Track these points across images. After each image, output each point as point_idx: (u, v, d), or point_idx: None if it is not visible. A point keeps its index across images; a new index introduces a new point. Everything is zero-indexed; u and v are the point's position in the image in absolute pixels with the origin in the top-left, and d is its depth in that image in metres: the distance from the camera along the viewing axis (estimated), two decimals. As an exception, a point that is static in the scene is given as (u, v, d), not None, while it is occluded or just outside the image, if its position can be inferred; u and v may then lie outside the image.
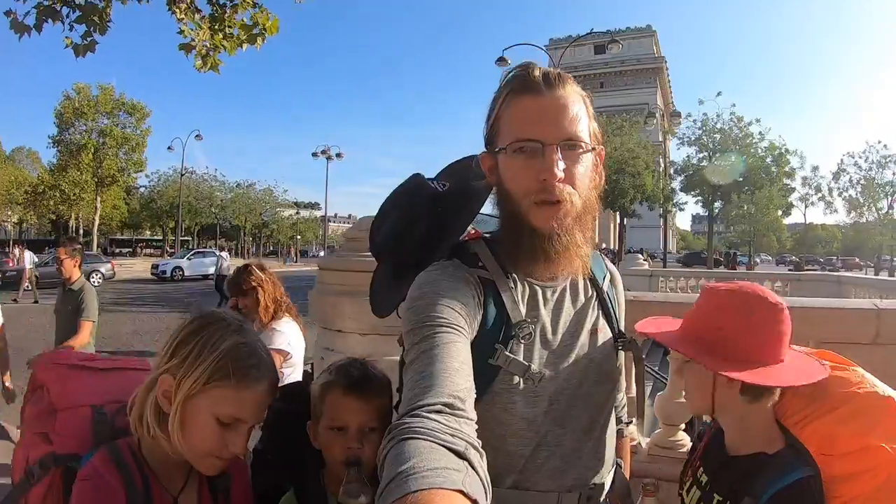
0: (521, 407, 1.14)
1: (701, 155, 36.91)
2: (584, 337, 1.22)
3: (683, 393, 1.66)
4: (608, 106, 59.23)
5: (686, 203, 42.74)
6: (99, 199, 42.88)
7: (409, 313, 1.04)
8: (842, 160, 43.12)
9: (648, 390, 3.06)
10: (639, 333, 1.37)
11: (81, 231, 46.19)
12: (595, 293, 1.28)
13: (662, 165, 41.71)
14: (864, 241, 45.64)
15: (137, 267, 37.44)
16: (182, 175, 48.02)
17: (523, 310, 1.16)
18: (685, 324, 1.31)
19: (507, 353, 1.12)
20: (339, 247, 3.57)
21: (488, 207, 1.27)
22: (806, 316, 2.81)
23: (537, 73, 1.12)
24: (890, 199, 41.97)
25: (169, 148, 44.24)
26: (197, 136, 42.32)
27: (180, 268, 31.80)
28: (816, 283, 15.28)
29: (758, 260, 68.47)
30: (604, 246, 48.80)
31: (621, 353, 1.30)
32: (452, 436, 0.76)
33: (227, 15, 5.46)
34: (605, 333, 1.26)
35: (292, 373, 3.03)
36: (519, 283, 1.18)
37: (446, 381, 0.87)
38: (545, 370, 1.15)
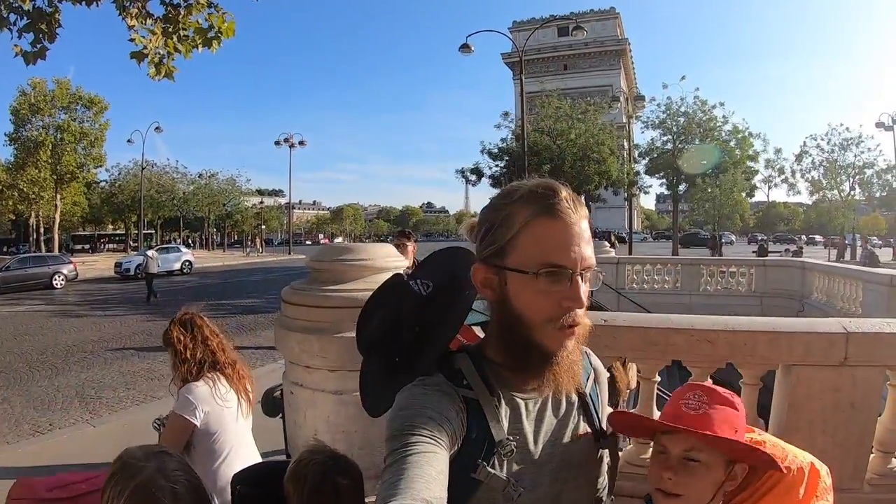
0: None
1: (665, 138, 37.28)
2: (564, 444, 1.22)
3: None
4: (573, 88, 59.46)
5: (651, 186, 43.22)
6: (59, 196, 41.84)
7: (393, 422, 1.07)
8: (804, 142, 43.68)
9: (653, 404, 3.09)
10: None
11: (42, 229, 44.99)
12: (577, 398, 1.27)
13: (627, 148, 41.99)
14: (827, 221, 46.62)
15: (100, 264, 36.77)
16: (143, 168, 47.21)
17: (506, 425, 1.16)
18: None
19: (489, 469, 1.12)
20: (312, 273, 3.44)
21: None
22: (775, 341, 2.82)
23: (565, 195, 1.12)
24: (852, 180, 42.72)
25: (129, 141, 43.73)
26: (157, 128, 41.88)
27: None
28: (780, 268, 15.53)
29: (733, 238, 69.96)
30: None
31: (604, 451, 1.30)
32: None
33: (181, 16, 5.29)
34: (587, 436, 1.26)
35: (215, 440, 2.82)
36: (503, 398, 1.18)
37: (420, 485, 0.89)
38: (527, 483, 1.15)
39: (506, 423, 1.16)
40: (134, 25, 5.11)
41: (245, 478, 1.85)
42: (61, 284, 26.11)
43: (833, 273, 12.82)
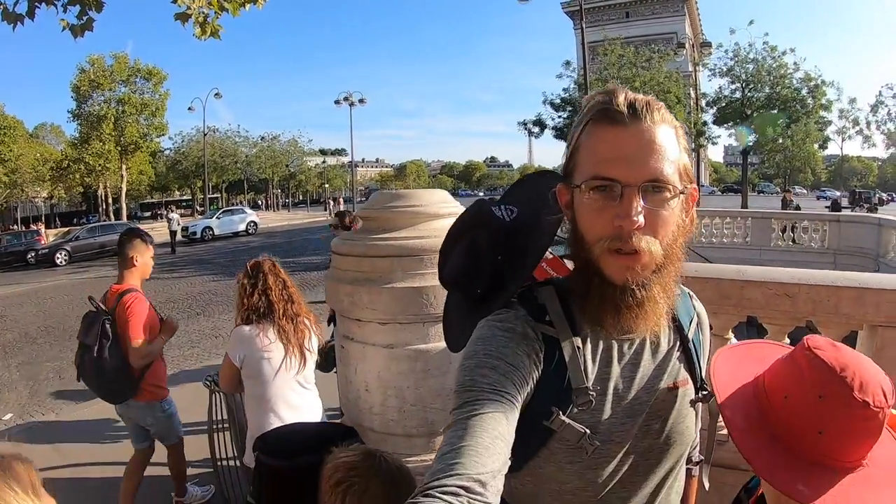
0: (579, 468, 1.05)
1: (733, 86, 35.68)
2: (661, 393, 1.10)
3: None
4: (635, 36, 57.05)
5: (719, 137, 41.41)
6: (124, 166, 43.21)
7: (459, 372, 1.00)
8: (880, 92, 40.84)
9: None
10: (712, 374, 1.14)
11: (110, 200, 46.84)
12: (679, 341, 1.14)
13: (693, 97, 40.36)
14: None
15: (165, 230, 38.08)
16: (205, 134, 48.27)
17: (592, 368, 1.05)
18: (768, 374, 1.08)
19: (563, 417, 1.02)
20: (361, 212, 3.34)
21: None
22: (861, 298, 2.56)
23: (622, 99, 0.99)
24: (931, 133, 40.02)
25: (189, 108, 44.80)
26: (216, 94, 42.63)
27: (210, 227, 32.33)
28: (855, 224, 14.66)
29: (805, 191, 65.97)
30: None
31: (700, 404, 1.16)
32: None
33: (226, -24, 5.23)
34: (685, 387, 1.12)
35: (257, 386, 2.92)
36: (590, 338, 1.07)
37: (472, 460, 0.82)
38: (611, 432, 1.05)
39: (593, 367, 1.06)
40: (177, -15, 5.07)
41: (265, 445, 1.76)
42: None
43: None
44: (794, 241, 15.05)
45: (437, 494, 0.77)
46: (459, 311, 1.25)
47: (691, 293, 1.25)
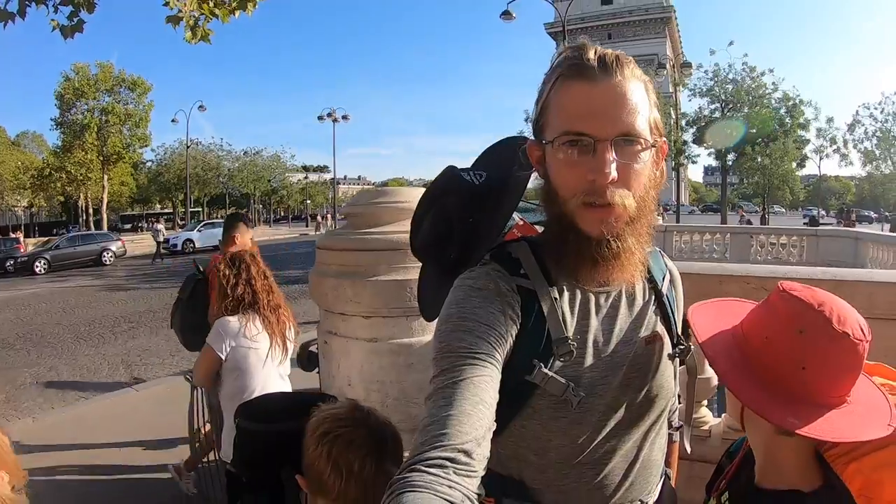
0: (564, 425, 1.05)
1: (713, 106, 36.31)
2: (639, 346, 1.09)
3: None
4: (617, 58, 57.89)
5: (699, 156, 42.03)
6: (106, 177, 42.73)
7: (435, 338, 0.98)
8: (857, 111, 41.81)
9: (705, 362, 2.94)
10: (689, 323, 1.16)
11: (91, 210, 46.31)
12: (654, 296, 1.15)
13: (674, 117, 40.92)
14: (880, 194, 44.71)
15: (148, 241, 37.65)
16: (188, 147, 47.98)
17: (570, 321, 1.05)
18: (745, 322, 1.10)
19: (546, 370, 1.01)
20: (344, 215, 3.38)
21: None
22: (836, 290, 2.60)
23: (592, 54, 0.98)
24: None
25: (173, 120, 44.50)
26: (200, 106, 42.51)
27: (191, 240, 31.97)
28: (832, 238, 14.91)
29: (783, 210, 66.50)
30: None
31: (678, 360, 1.17)
32: (450, 487, 0.75)
33: (215, -20, 5.25)
34: (662, 340, 1.13)
35: (240, 378, 2.88)
36: (567, 291, 1.07)
37: (454, 430, 0.81)
38: (593, 386, 1.04)
39: (572, 319, 1.05)
40: (168, -11, 5.09)
41: (245, 410, 1.70)
42: (111, 261, 26.79)
43: (889, 243, 12.23)
44: (773, 256, 15.24)
45: (423, 468, 0.76)
46: (431, 281, 1.26)
47: (662, 252, 1.25)
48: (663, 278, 1.18)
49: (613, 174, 0.95)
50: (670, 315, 1.16)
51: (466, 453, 0.80)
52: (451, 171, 1.19)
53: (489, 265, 1.07)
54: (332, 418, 1.31)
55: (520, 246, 1.10)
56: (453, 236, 1.16)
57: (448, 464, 0.77)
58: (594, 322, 1.06)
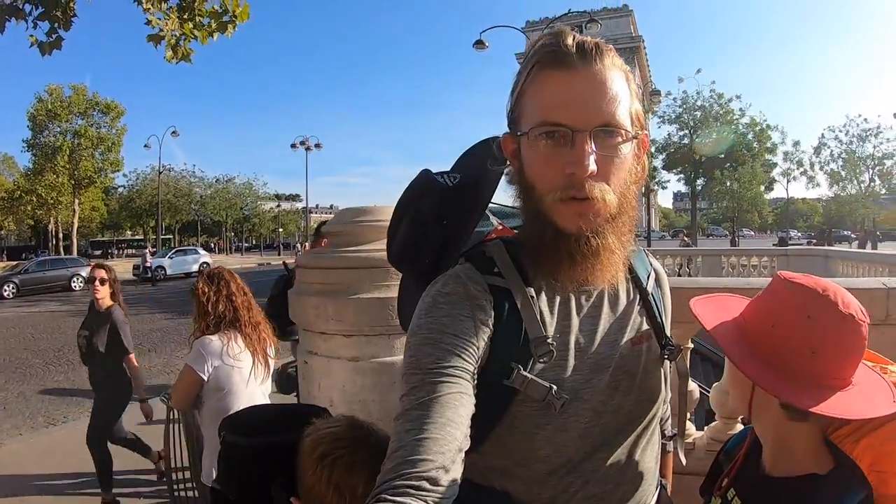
0: (548, 432, 0.99)
1: (682, 133, 37.03)
2: (625, 347, 1.05)
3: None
4: (588, 87, 58.92)
5: (668, 181, 42.91)
6: (77, 201, 42.13)
7: (404, 351, 0.95)
8: (822, 134, 43.26)
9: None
10: (692, 314, 1.13)
11: (61, 235, 45.45)
12: (639, 295, 1.11)
13: (643, 144, 41.72)
14: (847, 214, 45.81)
15: (119, 268, 36.79)
16: (160, 173, 47.47)
17: (550, 321, 1.00)
18: (745, 313, 1.10)
19: (525, 373, 0.96)
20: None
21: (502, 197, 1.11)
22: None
23: (570, 41, 0.93)
24: (871, 171, 42.10)
25: (145, 146, 43.85)
26: (173, 132, 42.01)
27: (162, 267, 31.53)
28: (803, 257, 15.22)
29: (752, 233, 67.85)
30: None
31: (667, 362, 1.12)
32: None
33: (196, 2, 5.30)
34: (649, 341, 1.09)
35: (224, 398, 2.80)
36: (545, 291, 1.01)
37: (421, 455, 0.79)
38: (577, 390, 0.99)
39: (552, 319, 1.00)
40: (150, 9, 5.12)
41: (231, 424, 1.62)
42: (80, 286, 26.27)
43: (858, 260, 12.53)
44: (744, 277, 15.46)
45: (389, 497, 0.75)
46: (408, 292, 1.21)
47: (646, 250, 1.21)
48: (648, 277, 1.14)
49: (592, 167, 0.90)
50: (657, 315, 1.11)
51: (432, 480, 0.78)
52: (424, 175, 1.14)
53: (462, 266, 1.03)
54: (331, 438, 1.24)
55: (495, 245, 1.05)
56: (428, 240, 1.12)
57: (412, 492, 0.76)
58: (575, 322, 1.02)
